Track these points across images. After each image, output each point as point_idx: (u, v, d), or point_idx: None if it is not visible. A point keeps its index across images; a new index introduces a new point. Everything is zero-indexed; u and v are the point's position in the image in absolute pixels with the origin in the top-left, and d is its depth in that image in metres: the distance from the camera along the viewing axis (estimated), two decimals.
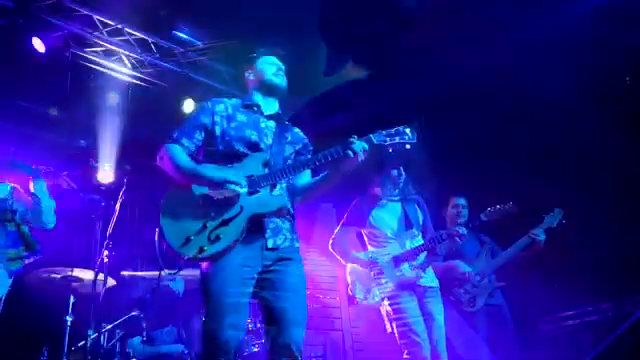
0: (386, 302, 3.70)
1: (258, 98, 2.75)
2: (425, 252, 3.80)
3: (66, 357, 3.92)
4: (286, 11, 4.98)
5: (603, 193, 5.25)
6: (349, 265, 3.97)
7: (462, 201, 4.55)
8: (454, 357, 3.83)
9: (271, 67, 2.76)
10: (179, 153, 2.52)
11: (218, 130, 2.57)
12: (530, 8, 5.06)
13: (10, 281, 3.77)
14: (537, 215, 4.35)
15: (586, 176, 5.34)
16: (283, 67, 2.78)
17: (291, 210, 2.58)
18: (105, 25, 5.41)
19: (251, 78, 2.81)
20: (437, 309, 3.73)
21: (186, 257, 2.32)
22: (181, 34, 5.71)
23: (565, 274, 5.20)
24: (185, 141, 2.57)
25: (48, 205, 3.96)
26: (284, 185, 2.58)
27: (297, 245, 2.55)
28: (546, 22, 5.08)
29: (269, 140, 2.62)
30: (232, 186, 2.36)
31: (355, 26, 5.41)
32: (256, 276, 2.38)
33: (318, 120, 5.71)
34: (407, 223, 3.92)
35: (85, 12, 5.26)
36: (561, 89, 5.24)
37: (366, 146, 2.46)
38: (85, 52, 5.49)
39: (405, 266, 3.72)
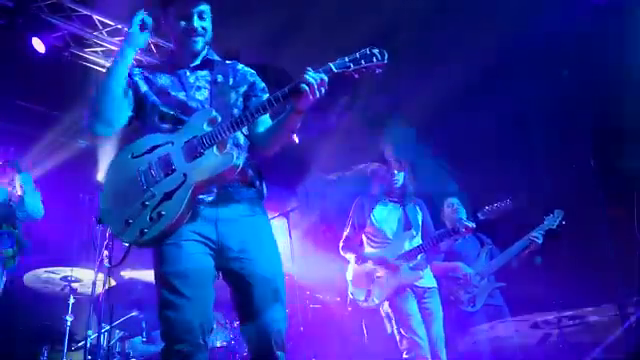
0: (386, 303, 3.70)
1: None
2: (423, 253, 3.79)
3: (66, 357, 3.92)
4: (286, 11, 4.98)
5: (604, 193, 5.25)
6: (349, 267, 3.97)
7: (455, 200, 4.59)
8: (454, 356, 3.83)
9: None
10: None
11: (141, 95, 2.20)
12: (530, 8, 5.07)
13: (4, 279, 3.84)
14: (537, 216, 4.35)
15: (586, 176, 5.34)
16: (198, 25, 2.19)
17: (247, 169, 2.17)
18: (105, 25, 5.40)
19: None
20: (436, 309, 3.74)
21: (126, 242, 2.03)
22: None
23: (565, 274, 5.20)
24: None
25: (32, 198, 4.05)
26: (241, 140, 2.22)
27: (259, 209, 2.19)
28: (546, 22, 5.09)
29: (205, 94, 2.22)
30: None
31: None
32: (215, 248, 2.06)
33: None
34: (406, 224, 3.92)
35: (85, 12, 5.25)
36: (560, 89, 5.25)
37: (325, 77, 1.99)
38: (85, 52, 5.49)
39: (404, 267, 3.72)
